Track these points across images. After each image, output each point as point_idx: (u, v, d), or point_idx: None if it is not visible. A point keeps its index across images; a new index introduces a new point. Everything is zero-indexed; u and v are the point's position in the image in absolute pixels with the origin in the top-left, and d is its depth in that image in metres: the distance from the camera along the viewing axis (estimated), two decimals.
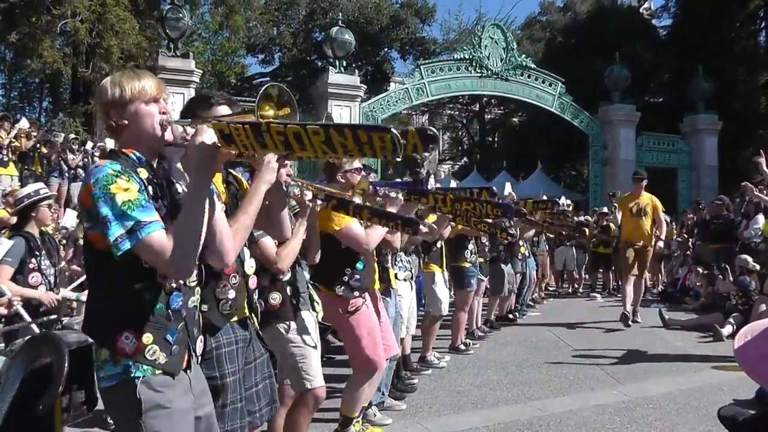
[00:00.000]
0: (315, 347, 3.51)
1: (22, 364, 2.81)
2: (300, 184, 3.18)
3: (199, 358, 2.18)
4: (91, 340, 3.32)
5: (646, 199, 8.99)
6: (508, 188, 9.82)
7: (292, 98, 1.92)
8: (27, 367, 2.75)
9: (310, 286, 3.72)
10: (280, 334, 3.40)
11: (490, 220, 4.71)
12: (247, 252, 2.83)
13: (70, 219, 7.22)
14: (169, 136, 2.05)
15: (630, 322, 8.59)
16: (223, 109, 2.50)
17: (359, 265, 3.96)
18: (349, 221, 3.80)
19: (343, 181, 3.92)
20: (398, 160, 1.69)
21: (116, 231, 1.83)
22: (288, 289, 3.43)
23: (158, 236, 1.85)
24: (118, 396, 1.98)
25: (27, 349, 2.90)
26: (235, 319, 2.71)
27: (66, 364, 2.60)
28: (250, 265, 2.84)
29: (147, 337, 1.95)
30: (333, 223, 3.78)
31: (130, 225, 1.83)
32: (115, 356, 1.95)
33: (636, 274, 9.07)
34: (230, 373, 2.64)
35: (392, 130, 1.65)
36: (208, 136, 1.86)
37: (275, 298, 3.37)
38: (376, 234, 3.84)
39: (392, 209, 3.78)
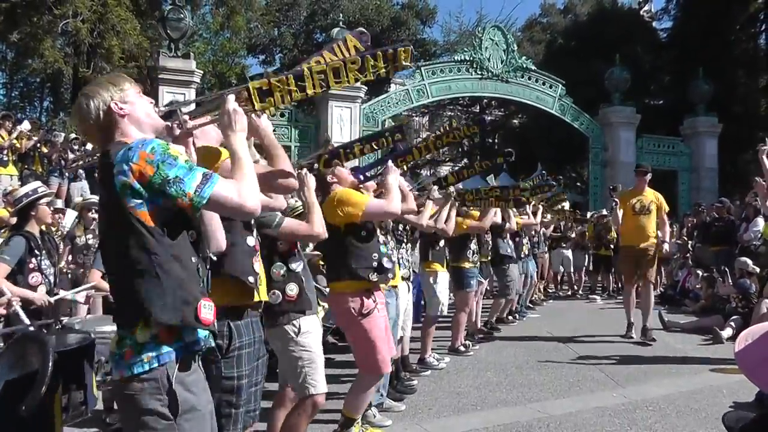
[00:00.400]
0: (321, 354, 3.50)
1: (6, 363, 2.80)
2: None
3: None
4: (91, 339, 3.34)
5: (650, 195, 8.02)
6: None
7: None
8: (12, 367, 2.74)
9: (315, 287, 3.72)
10: (289, 336, 3.38)
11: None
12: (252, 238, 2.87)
13: (69, 219, 7.21)
14: (159, 122, 2.19)
15: (638, 336, 7.85)
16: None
17: (383, 248, 4.00)
18: (364, 200, 3.85)
19: (334, 180, 3.97)
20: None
21: (193, 182, 1.93)
22: (303, 278, 3.43)
23: (226, 182, 1.99)
24: (153, 391, 1.91)
25: (12, 348, 2.89)
26: (257, 299, 2.72)
27: (51, 366, 2.58)
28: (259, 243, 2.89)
29: (197, 307, 1.99)
30: (352, 211, 3.81)
31: (202, 174, 1.95)
32: (146, 336, 1.93)
33: (638, 281, 8.03)
34: (246, 375, 2.65)
35: (407, 46, 2.34)
36: (231, 101, 2.18)
37: (292, 289, 3.35)
38: (393, 198, 3.94)
39: (391, 177, 3.96)
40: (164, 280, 1.93)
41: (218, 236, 2.45)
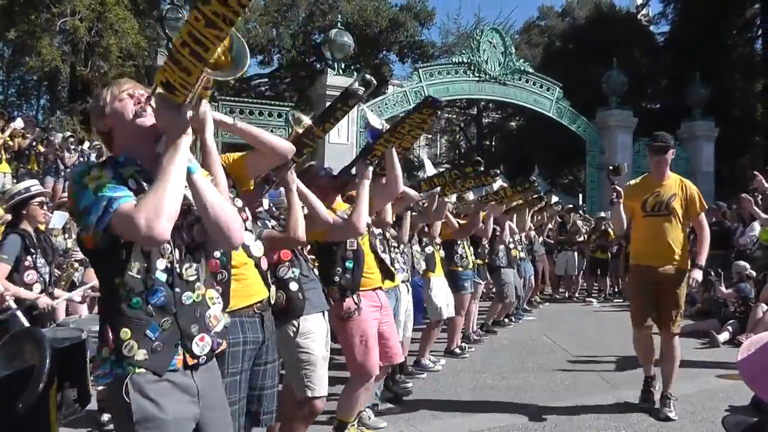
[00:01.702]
0: (323, 357, 3.47)
1: (2, 360, 2.78)
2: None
3: (206, 357, 2.11)
4: (83, 337, 3.33)
5: (674, 185, 5.12)
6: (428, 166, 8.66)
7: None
8: (7, 364, 2.72)
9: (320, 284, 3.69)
10: (288, 336, 3.37)
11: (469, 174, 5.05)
12: (251, 236, 2.84)
13: (59, 220, 7.15)
14: (144, 120, 2.06)
15: (659, 405, 5.04)
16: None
17: (348, 264, 3.95)
18: (339, 210, 3.85)
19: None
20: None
21: (95, 214, 1.85)
22: (292, 284, 3.39)
23: (128, 204, 1.85)
24: (113, 395, 1.96)
25: (8, 345, 2.87)
26: (248, 303, 2.70)
27: (47, 362, 2.56)
28: (257, 247, 2.84)
29: (124, 332, 1.94)
30: (317, 232, 3.78)
31: (104, 204, 1.85)
32: (106, 352, 1.96)
33: (653, 325, 5.14)
34: (230, 373, 2.63)
35: None
36: (153, 103, 1.98)
37: (279, 297, 3.33)
38: (358, 213, 3.72)
39: (364, 183, 3.79)
40: (100, 299, 2.02)
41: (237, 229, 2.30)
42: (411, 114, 3.67)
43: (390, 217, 4.50)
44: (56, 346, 3.06)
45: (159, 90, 1.92)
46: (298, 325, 3.36)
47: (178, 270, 2.04)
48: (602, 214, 13.40)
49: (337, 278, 3.89)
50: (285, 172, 3.23)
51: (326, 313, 3.61)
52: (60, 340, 3.27)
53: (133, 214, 1.80)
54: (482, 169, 5.30)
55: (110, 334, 1.95)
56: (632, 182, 5.39)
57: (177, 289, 2.03)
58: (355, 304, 3.93)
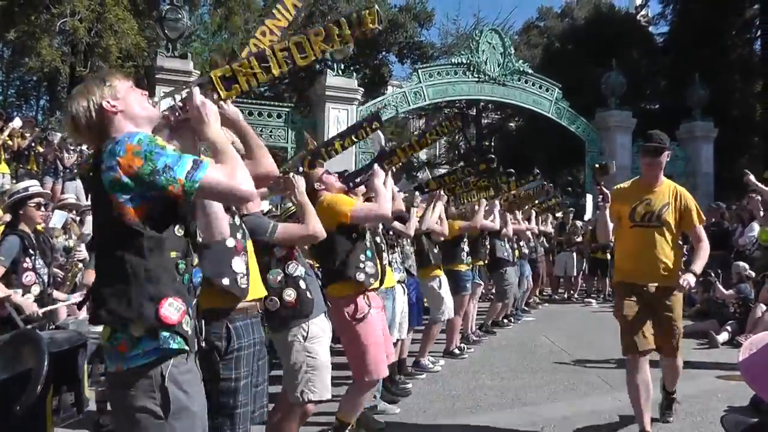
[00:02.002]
0: (327, 362, 3.47)
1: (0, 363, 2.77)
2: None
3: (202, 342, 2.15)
4: (83, 339, 3.32)
5: (667, 193, 4.46)
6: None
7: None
8: (5, 366, 2.71)
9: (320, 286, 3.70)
10: (295, 341, 3.36)
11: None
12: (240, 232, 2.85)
13: (59, 219, 7.13)
14: (154, 112, 2.16)
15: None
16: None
17: (369, 253, 3.98)
18: (352, 203, 3.87)
19: (322, 187, 3.96)
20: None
21: (183, 169, 1.89)
22: (301, 282, 3.39)
23: (217, 167, 1.96)
24: (145, 388, 1.92)
25: (5, 348, 2.86)
26: (252, 297, 2.70)
27: (46, 364, 2.56)
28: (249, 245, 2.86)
29: (183, 306, 1.97)
30: (340, 214, 3.80)
31: (191, 160, 1.92)
32: (155, 328, 1.92)
33: (652, 350, 4.33)
34: (244, 376, 2.63)
35: (375, 8, 2.24)
36: (196, 94, 2.12)
37: (290, 294, 3.33)
38: (383, 200, 3.93)
39: (377, 181, 3.96)
40: (136, 275, 1.93)
41: (221, 225, 2.43)
42: (438, 126, 4.09)
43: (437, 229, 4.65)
44: (54, 349, 3.06)
45: (215, 83, 2.17)
46: (308, 329, 3.36)
47: (192, 256, 2.10)
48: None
49: (362, 265, 3.90)
50: (299, 184, 3.39)
51: (326, 314, 3.62)
52: (58, 343, 3.27)
53: (231, 175, 1.95)
54: (494, 165, 5.50)
55: (174, 307, 1.94)
56: (621, 185, 4.68)
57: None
58: (367, 305, 3.92)
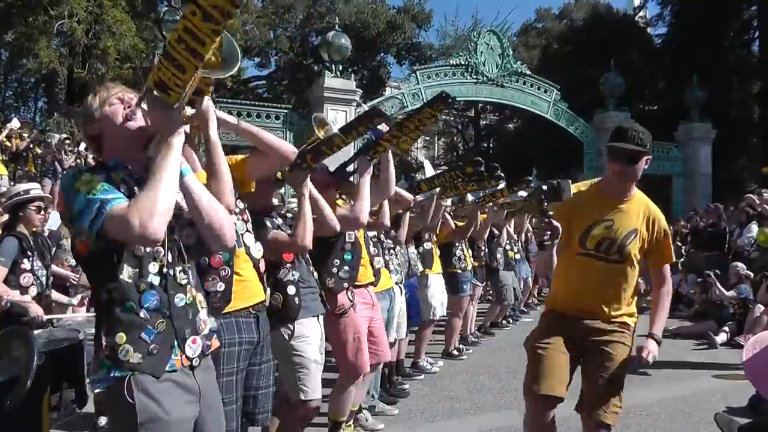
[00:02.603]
0: (316, 361, 3.46)
1: None
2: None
3: (199, 359, 2.11)
4: (80, 338, 3.33)
5: (638, 212, 3.23)
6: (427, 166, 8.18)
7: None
8: None
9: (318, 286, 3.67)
10: (283, 339, 3.37)
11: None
12: (250, 237, 2.85)
13: (54, 221, 7.12)
14: (134, 124, 2.05)
15: None
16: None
17: (347, 256, 3.95)
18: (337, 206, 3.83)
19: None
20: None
21: (87, 217, 1.85)
22: (290, 288, 3.38)
23: (121, 206, 1.85)
24: (112, 399, 1.95)
25: None
26: (246, 304, 2.70)
27: (35, 360, 2.56)
28: (257, 249, 2.84)
29: (120, 337, 1.94)
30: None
31: (96, 207, 1.85)
32: (101, 358, 1.95)
33: (562, 398, 3.21)
34: (225, 374, 2.63)
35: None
36: (143, 106, 1.94)
37: (276, 299, 3.34)
38: (362, 205, 3.74)
39: (366, 178, 3.78)
40: (96, 306, 2.00)
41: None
42: (422, 108, 3.66)
43: (387, 220, 4.48)
44: (53, 348, 3.07)
45: (153, 90, 1.89)
46: (293, 328, 3.36)
47: (171, 273, 2.04)
48: None
49: (335, 269, 3.89)
50: (302, 179, 3.27)
51: (321, 317, 3.60)
52: (57, 341, 3.27)
53: (126, 215, 1.80)
54: (482, 168, 5.16)
55: (104, 340, 1.94)
56: (579, 188, 3.29)
57: (171, 291, 2.03)
58: (350, 300, 3.93)
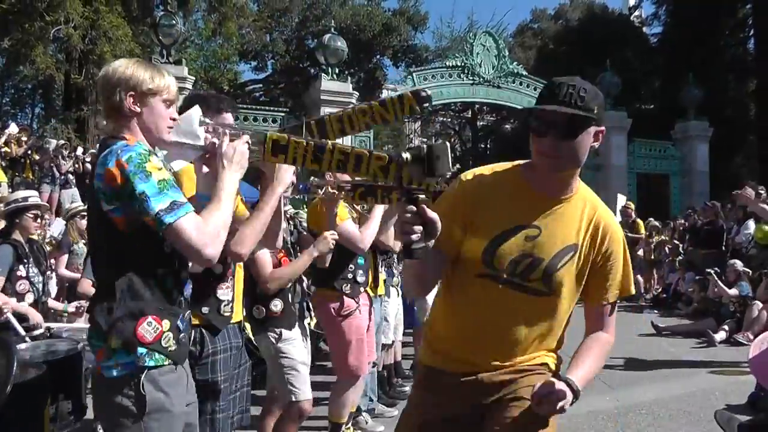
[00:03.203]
0: (303, 362, 3.50)
1: None
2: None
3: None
4: (79, 348, 3.31)
5: (581, 217, 2.04)
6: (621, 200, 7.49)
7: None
8: None
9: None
10: (270, 342, 3.40)
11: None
12: None
13: (58, 228, 7.09)
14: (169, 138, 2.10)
15: None
16: (229, 117, 2.55)
17: (360, 261, 3.99)
18: (344, 219, 3.83)
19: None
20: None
21: (157, 205, 1.84)
22: (290, 296, 3.44)
23: (193, 218, 1.89)
24: (123, 387, 1.92)
25: None
26: (233, 321, 2.71)
27: (14, 368, 2.56)
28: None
29: (165, 324, 1.96)
30: (325, 225, 3.78)
31: (169, 202, 1.85)
32: (131, 344, 1.91)
33: None
34: (222, 380, 2.64)
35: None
36: (245, 141, 2.06)
37: (276, 305, 3.37)
38: (370, 233, 3.85)
39: (380, 209, 3.84)
40: (121, 288, 1.93)
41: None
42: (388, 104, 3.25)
43: (392, 243, 4.50)
44: (51, 359, 3.06)
45: (267, 141, 2.02)
46: (280, 332, 3.40)
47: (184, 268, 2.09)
48: None
49: (351, 275, 3.93)
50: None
51: (305, 320, 3.65)
52: (54, 352, 3.27)
53: (196, 234, 1.87)
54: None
55: (152, 326, 1.93)
56: (484, 172, 2.12)
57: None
58: (355, 302, 3.94)
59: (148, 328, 1.92)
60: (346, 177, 3.65)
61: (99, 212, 1.94)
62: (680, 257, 12.42)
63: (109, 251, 1.98)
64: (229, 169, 2.02)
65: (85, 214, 7.92)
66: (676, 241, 13.36)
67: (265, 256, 3.26)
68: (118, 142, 1.94)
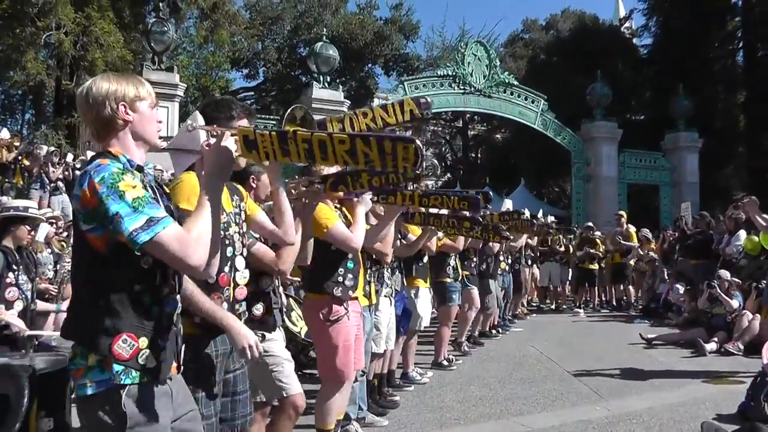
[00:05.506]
0: (288, 359, 3.49)
1: None
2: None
3: (182, 367, 2.13)
4: (63, 365, 3.26)
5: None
6: (507, 205, 8.88)
7: (312, 119, 2.05)
8: None
9: (285, 299, 3.69)
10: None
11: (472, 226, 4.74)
12: (242, 262, 2.82)
13: (42, 233, 7.05)
14: (161, 144, 2.12)
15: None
16: (244, 122, 2.54)
17: (350, 264, 3.97)
18: (334, 221, 3.81)
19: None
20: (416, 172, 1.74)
21: (131, 224, 1.81)
22: (273, 298, 3.40)
23: (173, 230, 1.85)
24: (101, 405, 1.90)
25: None
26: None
27: (26, 398, 2.52)
28: (243, 276, 2.82)
29: (143, 341, 1.93)
30: (318, 225, 3.76)
31: (144, 219, 1.82)
32: (106, 361, 1.89)
33: None
34: (210, 386, 2.61)
35: (417, 141, 1.72)
36: (230, 142, 2.00)
37: (258, 308, 3.34)
38: (359, 232, 3.82)
39: (361, 209, 3.80)
40: (97, 307, 1.91)
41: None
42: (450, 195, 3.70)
43: (390, 257, 4.43)
44: (32, 373, 3.01)
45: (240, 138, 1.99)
46: (262, 334, 3.38)
47: (173, 281, 2.06)
48: (590, 224, 13.58)
49: (341, 278, 3.90)
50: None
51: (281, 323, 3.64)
52: (38, 368, 3.21)
53: (178, 245, 1.84)
54: (480, 227, 5.08)
55: (128, 344, 1.90)
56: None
57: (173, 297, 2.07)
58: (345, 308, 3.93)
59: (124, 345, 1.90)
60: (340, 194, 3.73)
61: (78, 231, 1.95)
62: (665, 268, 12.46)
63: (88, 269, 1.97)
64: (207, 171, 2.02)
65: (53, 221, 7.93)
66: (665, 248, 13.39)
67: (261, 247, 3.24)
68: (93, 162, 1.94)
